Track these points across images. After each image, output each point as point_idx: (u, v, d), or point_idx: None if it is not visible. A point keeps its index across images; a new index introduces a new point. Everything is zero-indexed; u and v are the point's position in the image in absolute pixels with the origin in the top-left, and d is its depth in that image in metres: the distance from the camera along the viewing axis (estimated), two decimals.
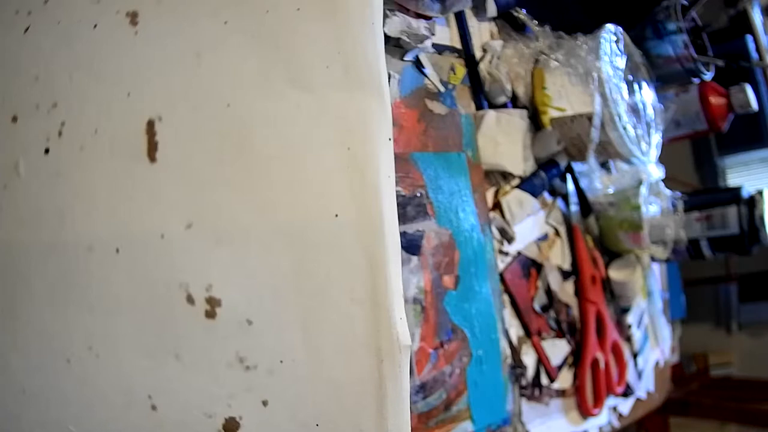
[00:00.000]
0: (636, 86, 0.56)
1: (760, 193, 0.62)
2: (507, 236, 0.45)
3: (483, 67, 0.46)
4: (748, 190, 0.63)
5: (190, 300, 0.25)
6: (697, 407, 1.44)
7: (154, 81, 0.27)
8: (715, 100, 0.65)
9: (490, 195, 0.45)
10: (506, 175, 0.47)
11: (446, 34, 0.44)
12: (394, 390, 0.23)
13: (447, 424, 0.38)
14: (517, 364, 0.44)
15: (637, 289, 0.58)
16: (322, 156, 0.24)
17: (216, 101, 0.26)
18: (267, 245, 0.25)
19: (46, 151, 0.29)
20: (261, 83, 0.26)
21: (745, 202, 0.61)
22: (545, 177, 0.49)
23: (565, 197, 0.53)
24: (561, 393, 0.48)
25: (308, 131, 0.25)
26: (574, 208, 0.54)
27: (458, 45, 0.45)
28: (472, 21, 0.47)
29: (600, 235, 0.57)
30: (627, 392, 0.56)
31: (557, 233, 0.52)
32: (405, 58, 0.39)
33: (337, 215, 0.24)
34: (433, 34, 0.41)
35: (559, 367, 0.48)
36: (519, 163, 0.47)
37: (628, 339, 0.59)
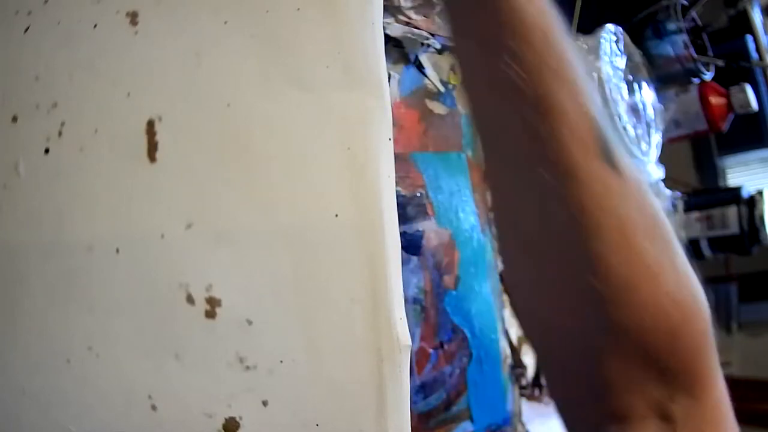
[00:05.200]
0: (636, 86, 0.56)
1: (760, 193, 0.62)
2: None
3: None
4: (748, 190, 0.63)
5: (190, 300, 0.25)
6: None
7: (153, 81, 0.27)
8: (715, 100, 0.65)
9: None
10: None
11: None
12: (394, 390, 0.23)
13: (447, 424, 0.38)
14: (517, 364, 0.44)
15: None
16: (322, 156, 0.24)
17: (216, 101, 0.26)
18: (267, 245, 0.25)
19: (46, 151, 0.29)
20: (261, 83, 0.26)
21: (745, 202, 0.61)
22: None
23: None
24: None
25: (308, 131, 0.25)
26: None
27: None
28: None
29: None
30: None
31: None
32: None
33: (337, 215, 0.24)
34: (433, 35, 0.41)
35: None
36: None
37: None
